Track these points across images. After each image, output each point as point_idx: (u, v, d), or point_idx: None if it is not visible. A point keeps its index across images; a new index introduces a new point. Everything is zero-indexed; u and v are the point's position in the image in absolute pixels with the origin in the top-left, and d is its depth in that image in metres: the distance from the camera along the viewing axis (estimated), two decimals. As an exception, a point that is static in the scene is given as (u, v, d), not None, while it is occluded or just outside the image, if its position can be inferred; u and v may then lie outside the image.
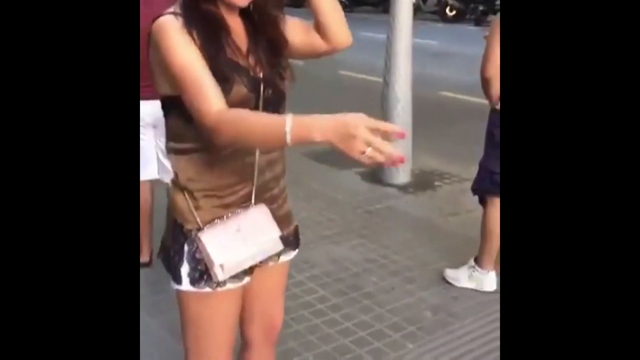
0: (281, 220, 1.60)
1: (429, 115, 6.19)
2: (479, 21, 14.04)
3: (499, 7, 10.80)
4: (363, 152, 1.16)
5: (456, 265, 3.16)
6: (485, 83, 2.89)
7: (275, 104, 1.50)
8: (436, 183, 4.57)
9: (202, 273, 1.51)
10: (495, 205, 2.96)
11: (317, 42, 1.57)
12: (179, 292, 1.56)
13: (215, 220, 1.50)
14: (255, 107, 1.45)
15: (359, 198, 4.27)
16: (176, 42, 1.37)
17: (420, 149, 4.73)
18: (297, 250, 1.72)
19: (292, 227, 1.69)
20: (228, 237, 1.48)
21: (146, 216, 3.25)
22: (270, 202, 1.57)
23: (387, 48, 4.35)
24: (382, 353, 2.58)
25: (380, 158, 1.16)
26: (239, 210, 1.52)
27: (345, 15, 1.59)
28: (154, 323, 2.72)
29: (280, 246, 1.58)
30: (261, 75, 1.47)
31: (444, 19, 15.06)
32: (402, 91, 4.36)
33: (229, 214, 1.51)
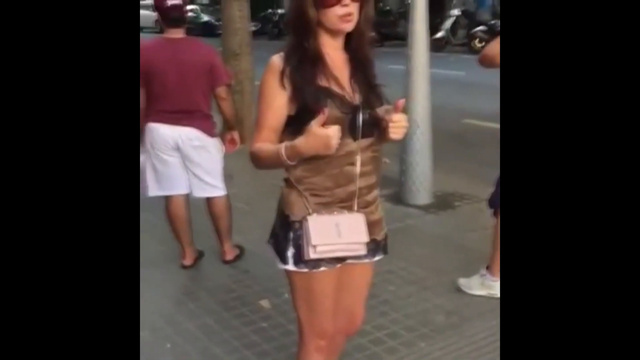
0: (373, 224, 1.91)
1: (452, 141, 6.46)
2: (507, 52, 14.29)
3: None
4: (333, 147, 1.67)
5: (470, 275, 3.39)
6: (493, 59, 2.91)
7: (370, 126, 1.82)
8: (456, 203, 4.81)
9: (303, 256, 1.83)
10: None
11: None
12: (286, 271, 1.92)
13: (322, 212, 1.82)
14: (351, 128, 1.78)
15: (381, 218, 4.51)
16: (268, 86, 1.80)
17: (441, 172, 5.00)
18: (383, 255, 2.01)
19: (382, 233, 1.99)
20: (326, 227, 1.80)
21: (184, 225, 3.63)
22: (363, 206, 1.88)
23: (405, 77, 4.66)
24: (396, 351, 2.82)
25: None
26: (336, 211, 1.83)
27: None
28: (191, 325, 3.02)
29: (364, 251, 1.87)
30: (358, 101, 1.81)
31: (472, 50, 15.36)
32: (421, 117, 4.64)
33: (331, 212, 1.82)
